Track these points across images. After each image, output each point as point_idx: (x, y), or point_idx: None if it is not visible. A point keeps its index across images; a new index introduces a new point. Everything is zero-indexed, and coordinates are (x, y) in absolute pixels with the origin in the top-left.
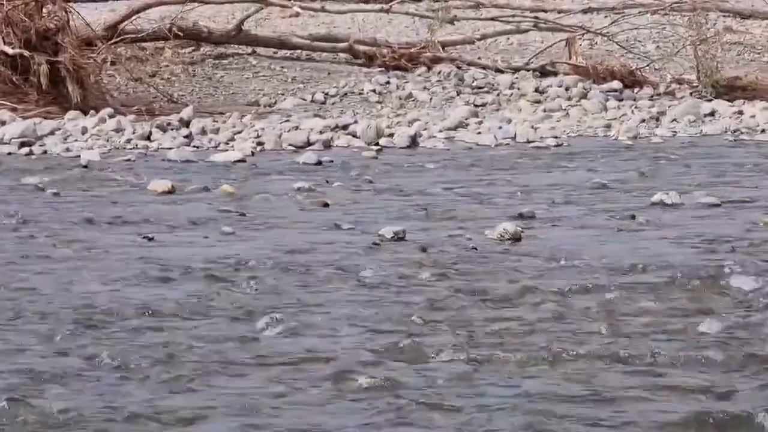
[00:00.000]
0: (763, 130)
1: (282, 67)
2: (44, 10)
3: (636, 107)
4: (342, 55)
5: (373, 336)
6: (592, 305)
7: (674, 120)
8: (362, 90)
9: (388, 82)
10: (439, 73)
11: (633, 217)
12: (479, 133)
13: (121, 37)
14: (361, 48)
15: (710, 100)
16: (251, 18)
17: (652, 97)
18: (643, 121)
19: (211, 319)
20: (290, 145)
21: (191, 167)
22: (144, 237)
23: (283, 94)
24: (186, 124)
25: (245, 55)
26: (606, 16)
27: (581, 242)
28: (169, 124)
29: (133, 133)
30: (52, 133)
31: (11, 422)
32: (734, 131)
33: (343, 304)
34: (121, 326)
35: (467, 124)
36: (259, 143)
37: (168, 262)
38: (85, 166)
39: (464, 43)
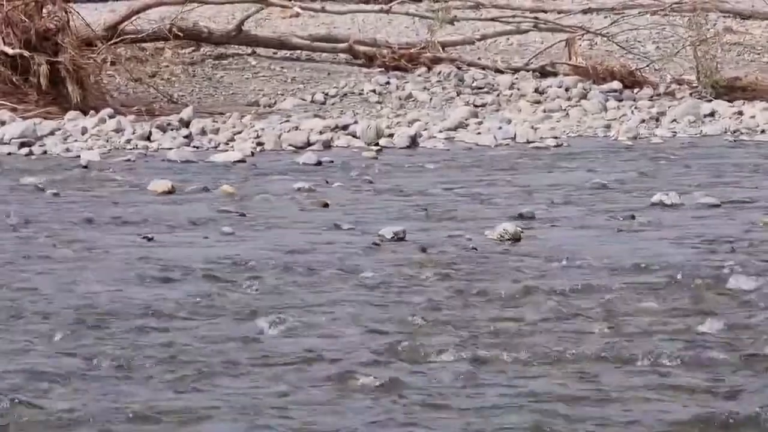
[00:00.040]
0: (763, 131)
1: (282, 67)
2: (44, 11)
3: (636, 108)
4: (342, 55)
5: (374, 336)
6: (593, 305)
7: (674, 120)
8: (362, 90)
9: (388, 83)
10: (439, 73)
11: (633, 217)
12: (479, 133)
13: (121, 38)
14: (361, 48)
15: (710, 101)
16: (251, 18)
17: (651, 97)
18: (643, 121)
19: (212, 320)
20: (290, 145)
21: (191, 167)
22: (144, 237)
23: (283, 95)
24: (186, 124)
25: (245, 55)
26: (606, 17)
27: (581, 242)
28: (169, 124)
29: (133, 133)
30: (52, 133)
31: (13, 422)
32: (734, 132)
33: (343, 305)
34: (122, 326)
35: (467, 125)
36: (259, 143)
37: (168, 263)
38: (85, 167)
39: (464, 43)
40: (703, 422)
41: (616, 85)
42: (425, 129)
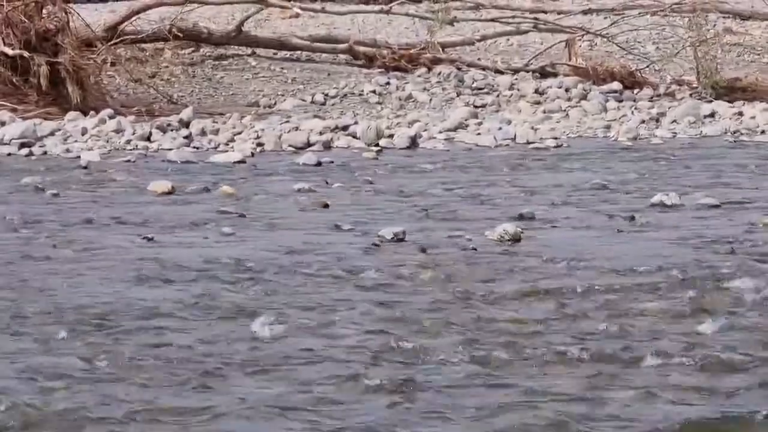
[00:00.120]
0: (763, 131)
1: (282, 68)
2: (44, 11)
3: (636, 108)
4: (342, 56)
5: (374, 336)
6: (593, 306)
7: (674, 121)
8: (362, 91)
9: (388, 83)
10: (439, 74)
11: (633, 218)
12: (479, 134)
13: (121, 38)
14: (361, 49)
15: (710, 102)
16: (251, 19)
17: (651, 98)
18: (643, 122)
19: (212, 320)
20: (290, 146)
21: (191, 168)
22: (144, 238)
23: (283, 95)
24: (186, 124)
25: (245, 56)
26: (606, 18)
27: (581, 243)
28: (169, 124)
29: (133, 133)
30: (52, 134)
31: (14, 423)
32: (734, 132)
33: (343, 305)
34: (122, 327)
35: (467, 125)
36: (259, 144)
37: (168, 263)
38: (85, 167)
39: (464, 44)
40: (703, 422)
41: (616, 85)
42: (425, 130)
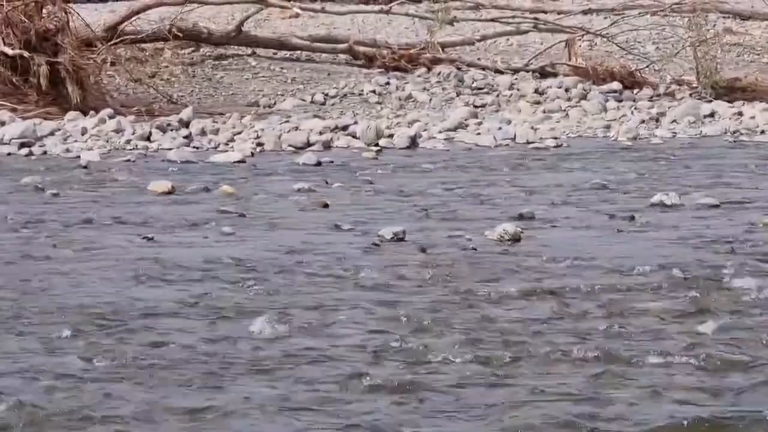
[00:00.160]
0: (762, 131)
1: (282, 68)
2: (44, 11)
3: (636, 108)
4: (342, 56)
5: (374, 336)
6: (593, 306)
7: (674, 121)
8: (362, 91)
9: (387, 83)
10: (439, 74)
11: (632, 217)
12: (479, 134)
13: (121, 38)
14: (361, 49)
15: (710, 101)
16: (251, 19)
17: (651, 98)
18: (643, 122)
19: (211, 320)
20: (290, 145)
21: (191, 168)
22: (144, 237)
23: (282, 95)
24: (186, 124)
25: (245, 56)
26: (606, 18)
27: (581, 243)
28: (168, 124)
29: (133, 133)
30: (51, 133)
31: (14, 423)
32: (734, 132)
33: (343, 305)
34: (122, 327)
35: (467, 125)
36: (259, 144)
37: (168, 263)
38: (85, 167)
39: (464, 44)
40: (703, 423)
41: (615, 85)
42: (425, 129)
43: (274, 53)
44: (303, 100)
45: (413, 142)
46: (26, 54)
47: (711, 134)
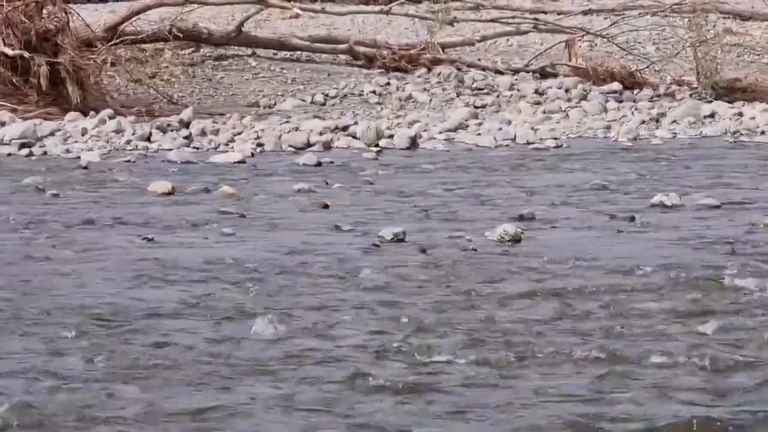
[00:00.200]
0: (762, 132)
1: (282, 68)
2: (44, 12)
3: (636, 109)
4: (342, 56)
5: (374, 337)
6: (593, 306)
7: (674, 121)
8: (362, 91)
9: (388, 84)
10: (439, 74)
11: (633, 218)
12: (479, 134)
13: (121, 39)
14: (361, 49)
15: (710, 102)
16: (251, 19)
17: (651, 98)
18: (643, 122)
19: (212, 320)
20: (290, 146)
21: (191, 168)
22: (144, 238)
23: (282, 96)
24: (186, 125)
25: (245, 56)
26: (606, 18)
27: (581, 244)
28: (169, 125)
29: (133, 134)
30: (52, 134)
31: (15, 423)
32: (734, 133)
33: (343, 306)
34: (122, 327)
35: (467, 126)
36: (259, 144)
37: (168, 264)
38: (85, 167)
39: (464, 44)
40: (705, 423)
41: (616, 86)
42: (425, 130)
43: (275, 54)
44: (303, 100)
45: (413, 143)
46: (26, 54)
47: (711, 135)
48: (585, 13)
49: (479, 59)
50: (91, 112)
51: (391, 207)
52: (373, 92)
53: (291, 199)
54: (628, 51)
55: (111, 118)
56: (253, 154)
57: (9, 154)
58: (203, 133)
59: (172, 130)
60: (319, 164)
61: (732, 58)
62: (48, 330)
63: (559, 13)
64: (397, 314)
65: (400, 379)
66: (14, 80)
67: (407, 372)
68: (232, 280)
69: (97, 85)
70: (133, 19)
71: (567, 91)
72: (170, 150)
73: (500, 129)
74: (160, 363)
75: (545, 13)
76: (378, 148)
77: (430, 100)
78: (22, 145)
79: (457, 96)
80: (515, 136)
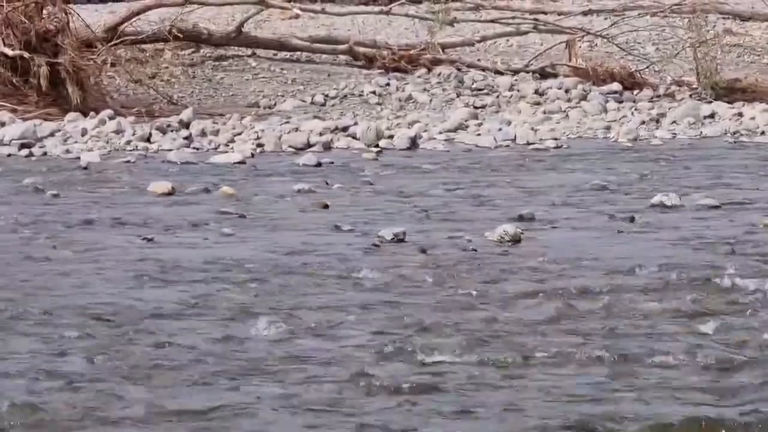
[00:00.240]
0: (762, 132)
1: (282, 68)
2: (44, 12)
3: (636, 109)
4: (342, 56)
5: (374, 338)
6: (593, 307)
7: (674, 122)
8: (362, 92)
9: (387, 84)
10: (439, 74)
11: (632, 218)
12: (479, 134)
13: (121, 39)
14: (361, 50)
15: (710, 102)
16: (251, 20)
17: (651, 99)
18: (643, 123)
19: (212, 321)
20: (290, 146)
21: (191, 169)
22: (144, 238)
23: (282, 96)
24: (186, 125)
25: (245, 56)
26: (606, 18)
27: (581, 244)
28: (168, 125)
29: (133, 134)
30: (52, 134)
31: (15, 423)
32: (734, 133)
33: (344, 306)
34: (122, 327)
35: (467, 126)
36: (259, 145)
37: (168, 264)
38: (85, 168)
39: (464, 44)
40: (704, 423)
41: (616, 86)
42: (425, 130)
43: (274, 54)
44: (303, 101)
45: (413, 143)
46: (26, 55)
47: (711, 135)
48: (585, 13)
49: (479, 59)
50: (91, 113)
51: (391, 207)
52: (373, 93)
53: (291, 199)
54: (628, 51)
55: (111, 118)
56: (253, 155)
57: (9, 155)
58: (203, 133)
59: (172, 131)
60: (319, 165)
61: (732, 58)
62: (48, 330)
63: (559, 14)
64: (397, 314)
65: (403, 379)
66: (14, 81)
67: (409, 372)
68: (233, 281)
69: (97, 85)
70: (133, 19)
71: (567, 91)
72: (170, 150)
73: (500, 129)
74: (160, 363)
75: (545, 13)
76: (378, 149)
77: (430, 100)
78: (22, 146)
79: (457, 96)
80: (515, 136)
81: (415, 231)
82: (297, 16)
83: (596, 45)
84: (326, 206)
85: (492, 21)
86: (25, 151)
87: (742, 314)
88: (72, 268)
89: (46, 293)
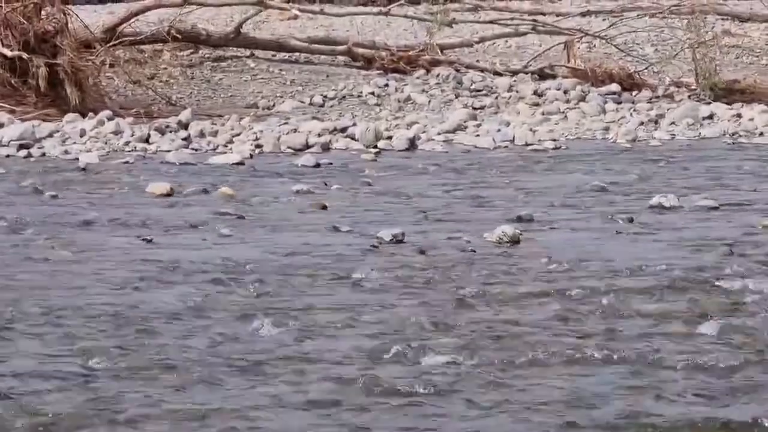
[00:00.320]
0: (761, 133)
1: (280, 69)
2: (43, 13)
3: (634, 110)
4: (340, 57)
5: (373, 338)
6: (591, 308)
7: (673, 123)
8: (361, 93)
9: (386, 85)
10: (438, 75)
11: (631, 220)
12: (478, 135)
13: (120, 40)
14: (360, 51)
15: (709, 103)
16: (250, 21)
17: (650, 100)
18: (642, 124)
19: (210, 321)
20: (289, 147)
21: (190, 170)
22: (143, 239)
23: (281, 97)
24: (184, 126)
25: (244, 57)
26: (604, 19)
27: (580, 245)
28: (167, 126)
29: (132, 135)
30: (50, 135)
31: (10, 425)
32: (732, 134)
33: (343, 306)
34: (121, 328)
35: (466, 127)
36: (258, 146)
37: (166, 265)
38: (84, 169)
39: (463, 45)
40: (705, 423)
41: (614, 87)
42: (424, 131)
43: (273, 55)
44: (302, 101)
45: (412, 144)
46: (25, 55)
47: (710, 136)
48: (583, 14)
49: (478, 60)
50: (90, 114)
51: (390, 208)
52: (372, 93)
53: (290, 200)
54: (627, 52)
55: (109, 119)
56: (251, 156)
57: (8, 156)
58: (202, 134)
59: (170, 132)
60: (317, 165)
61: (730, 59)
62: (45, 331)
63: (557, 15)
64: (396, 315)
65: (400, 380)
66: (13, 81)
67: (407, 373)
68: (232, 282)
69: (96, 86)
70: (132, 20)
71: (566, 92)
72: (169, 151)
73: (499, 130)
74: (160, 363)
75: (544, 14)
76: (377, 150)
77: (429, 101)
78: (21, 147)
79: (456, 97)
80: (514, 137)
81: (414, 232)
82: (295, 17)
83: (595, 46)
84: (325, 207)
85: (491, 22)
86: (23, 152)
87: (741, 315)
88: (71, 269)
89: (46, 294)
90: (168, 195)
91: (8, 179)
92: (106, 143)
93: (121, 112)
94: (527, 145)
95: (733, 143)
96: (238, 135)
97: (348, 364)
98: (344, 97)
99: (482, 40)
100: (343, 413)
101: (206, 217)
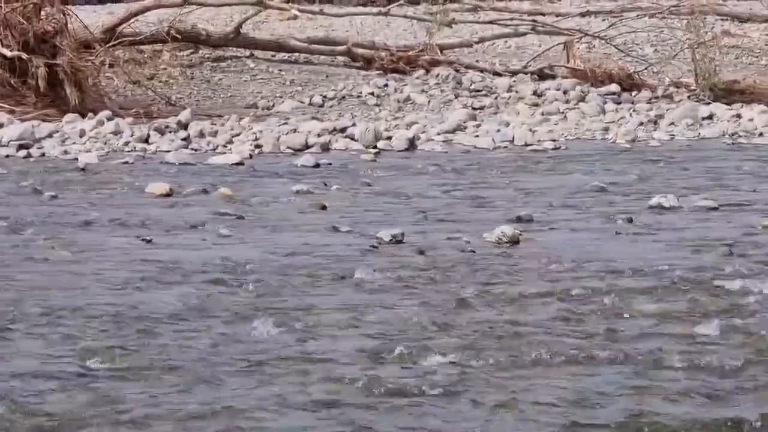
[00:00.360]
0: (761, 134)
1: (280, 70)
2: (42, 13)
3: (634, 110)
4: (340, 58)
5: (373, 338)
6: (591, 308)
7: (672, 123)
8: (360, 93)
9: (386, 85)
10: (438, 76)
11: (631, 220)
12: (477, 136)
13: (119, 40)
14: (360, 51)
15: (708, 104)
16: (249, 21)
17: (650, 100)
18: (641, 124)
19: (209, 322)
20: (288, 147)
21: (189, 170)
22: (142, 239)
23: (281, 97)
24: (184, 126)
25: (243, 57)
26: (604, 20)
27: (579, 245)
28: (167, 126)
29: (131, 135)
30: (50, 135)
31: (11, 425)
32: (732, 134)
33: (342, 307)
34: (120, 328)
35: (465, 127)
36: (257, 146)
37: (166, 265)
38: (83, 169)
39: (462, 46)
40: (705, 423)
41: (614, 87)
42: (423, 132)
43: (273, 55)
44: (301, 102)
45: (412, 144)
46: (24, 56)
47: (709, 136)
48: (583, 15)
49: (477, 61)
50: (89, 114)
51: (390, 208)
52: (372, 94)
53: (289, 200)
54: (627, 53)
55: (109, 119)
56: (251, 156)
57: (7, 156)
58: (201, 134)
59: (170, 132)
60: (317, 166)
61: (730, 59)
62: (45, 331)
63: (557, 15)
64: (395, 315)
65: (400, 380)
66: (12, 82)
67: (407, 373)
68: (231, 282)
69: (96, 86)
70: (132, 20)
71: (565, 92)
72: (168, 151)
73: (498, 131)
74: (159, 364)
75: (543, 14)
76: (376, 150)
77: (429, 101)
78: (21, 147)
79: (456, 97)
80: (513, 137)
81: (414, 232)
82: (295, 17)
83: (594, 46)
84: (324, 207)
85: (490, 22)
86: (23, 152)
87: (741, 315)
88: (70, 269)
89: (46, 294)
90: (167, 195)
91: (8, 179)
92: (105, 143)
93: (121, 113)
94: (527, 145)
95: (733, 143)
96: (238, 135)
97: (350, 364)
98: (344, 97)
99: (482, 40)
100: (344, 413)
101: (206, 218)
